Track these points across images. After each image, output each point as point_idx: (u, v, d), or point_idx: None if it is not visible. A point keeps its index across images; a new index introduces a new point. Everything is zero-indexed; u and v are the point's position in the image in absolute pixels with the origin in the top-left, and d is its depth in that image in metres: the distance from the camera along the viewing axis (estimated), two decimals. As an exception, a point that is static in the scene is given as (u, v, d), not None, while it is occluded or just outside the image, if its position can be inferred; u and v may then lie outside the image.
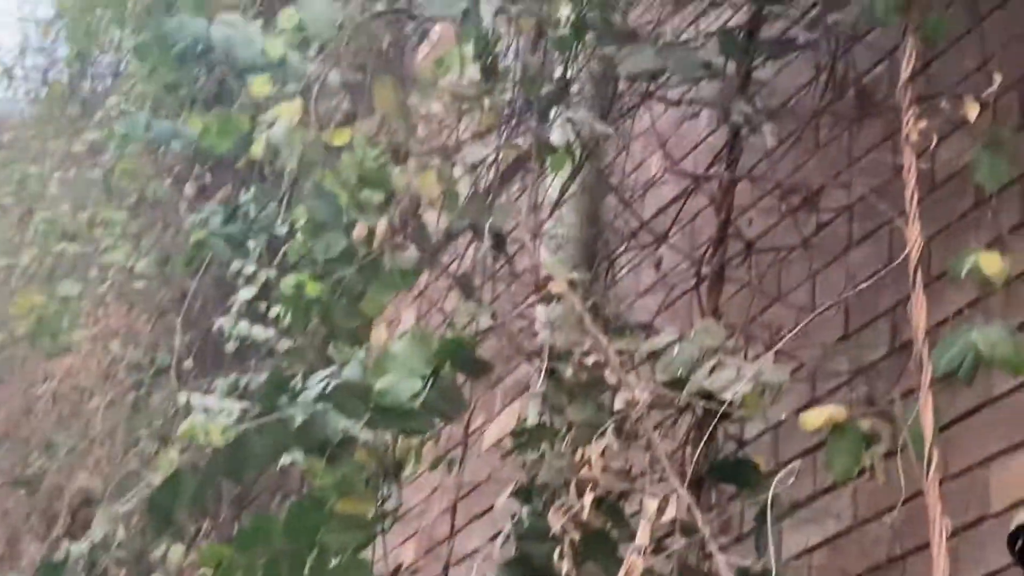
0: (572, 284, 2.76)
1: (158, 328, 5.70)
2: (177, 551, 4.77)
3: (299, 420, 2.88)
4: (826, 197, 3.17)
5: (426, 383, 2.78)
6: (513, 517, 2.81)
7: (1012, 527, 2.39)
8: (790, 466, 2.53)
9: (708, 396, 2.58)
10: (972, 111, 2.54)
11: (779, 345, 2.71)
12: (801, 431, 2.60)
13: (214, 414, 2.99)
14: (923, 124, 2.50)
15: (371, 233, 3.04)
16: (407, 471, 3.17)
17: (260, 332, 4.03)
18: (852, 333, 3.08)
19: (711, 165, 3.34)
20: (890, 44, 3.03)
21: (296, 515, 2.94)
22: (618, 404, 2.62)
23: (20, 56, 7.87)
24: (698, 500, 2.60)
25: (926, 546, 2.28)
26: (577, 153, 3.31)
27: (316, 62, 3.37)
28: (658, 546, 2.47)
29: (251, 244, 4.01)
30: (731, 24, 3.28)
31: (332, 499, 2.95)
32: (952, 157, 2.80)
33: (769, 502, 2.47)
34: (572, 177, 3.37)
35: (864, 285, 2.81)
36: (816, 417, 2.51)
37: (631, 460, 2.62)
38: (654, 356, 2.71)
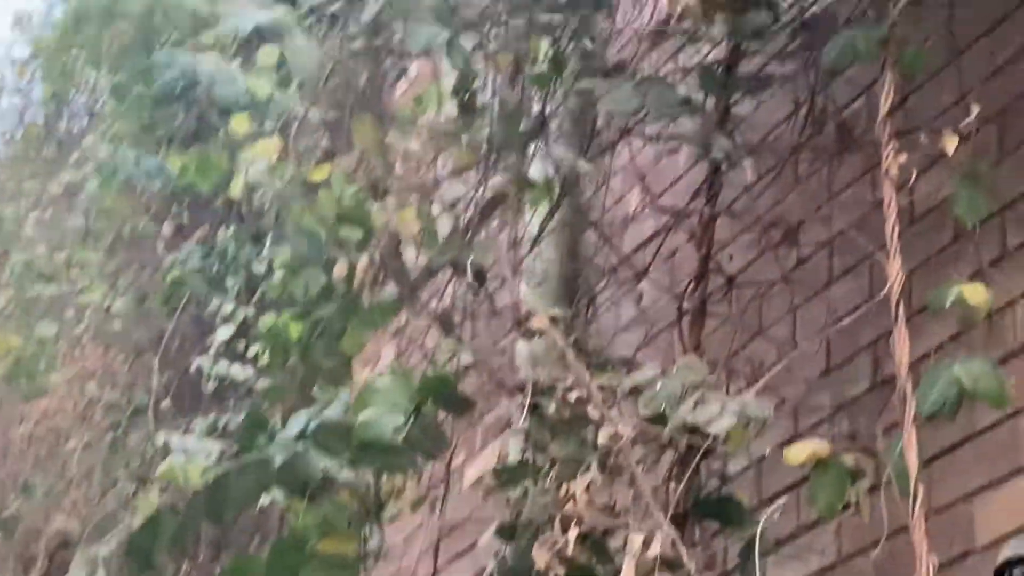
0: (553, 320, 2.76)
1: (135, 368, 5.66)
2: (157, 593, 4.73)
3: (279, 460, 2.86)
4: (806, 232, 3.18)
5: (408, 419, 2.77)
6: (496, 555, 2.79)
7: (999, 562, 2.38)
8: (776, 503, 2.51)
9: (692, 430, 2.58)
10: (950, 145, 2.55)
11: (763, 381, 2.70)
12: (784, 466, 2.59)
13: (193, 455, 2.97)
14: (902, 158, 2.51)
15: (351, 270, 3.03)
16: (389, 511, 3.15)
17: (239, 371, 4.01)
18: (834, 368, 3.07)
19: (691, 200, 3.33)
20: (868, 79, 3.03)
21: (278, 555, 2.91)
22: (601, 439, 2.61)
23: (-5, 97, 7.86)
24: (682, 536, 2.59)
25: (911, 582, 2.28)
26: (556, 189, 3.31)
27: (296, 100, 3.37)
28: (643, 582, 2.45)
29: (229, 282, 4.00)
30: (710, 60, 3.28)
31: (313, 539, 2.92)
32: (931, 191, 2.81)
33: (756, 539, 2.46)
34: (551, 213, 3.36)
35: (846, 320, 2.81)
36: (799, 452, 2.50)
37: (615, 496, 2.61)
38: (636, 391, 2.70)
